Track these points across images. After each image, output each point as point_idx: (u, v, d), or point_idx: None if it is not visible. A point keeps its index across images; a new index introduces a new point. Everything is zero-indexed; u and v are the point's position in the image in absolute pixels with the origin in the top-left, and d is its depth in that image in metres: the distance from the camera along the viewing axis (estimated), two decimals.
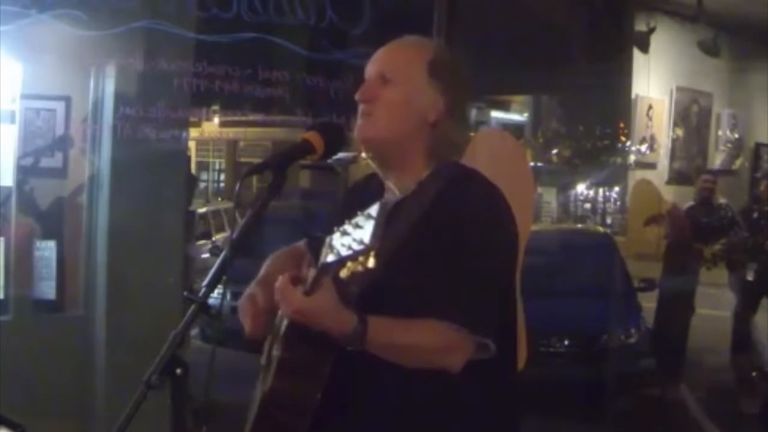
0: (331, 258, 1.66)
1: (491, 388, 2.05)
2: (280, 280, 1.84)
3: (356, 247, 1.61)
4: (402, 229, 1.96)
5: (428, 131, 2.08)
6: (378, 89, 2.06)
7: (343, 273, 1.65)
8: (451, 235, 1.93)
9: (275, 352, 2.02)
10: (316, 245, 2.27)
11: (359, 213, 1.66)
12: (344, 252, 1.63)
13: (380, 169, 2.14)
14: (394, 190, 2.11)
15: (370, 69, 2.11)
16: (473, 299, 1.93)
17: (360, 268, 1.62)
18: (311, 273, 1.81)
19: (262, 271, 2.20)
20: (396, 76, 2.06)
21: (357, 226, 1.62)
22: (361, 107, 2.08)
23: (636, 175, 11.80)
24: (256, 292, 2.09)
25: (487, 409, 2.05)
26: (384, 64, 2.09)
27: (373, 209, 1.62)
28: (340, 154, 2.18)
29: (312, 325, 1.83)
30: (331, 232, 2.10)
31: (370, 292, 1.87)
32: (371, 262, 1.60)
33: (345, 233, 1.64)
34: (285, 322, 1.95)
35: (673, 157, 12.91)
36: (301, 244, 2.33)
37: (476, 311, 1.93)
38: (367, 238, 1.60)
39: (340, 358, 1.88)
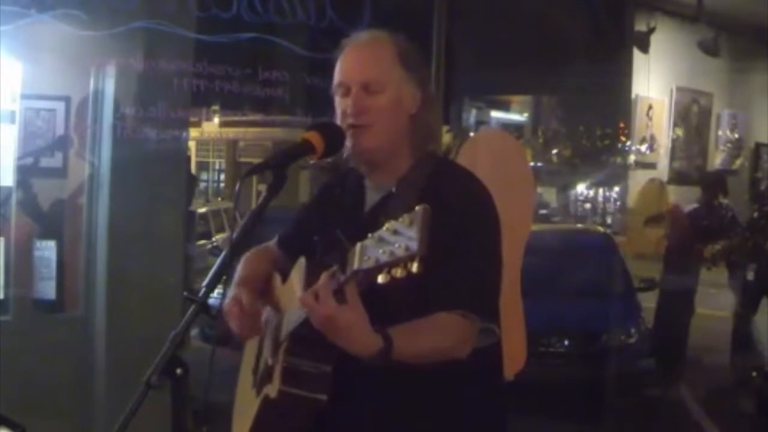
0: (366, 265, 1.64)
1: (490, 374, 2.11)
2: (323, 278, 1.77)
3: (400, 253, 1.58)
4: None
5: (410, 124, 2.09)
6: (366, 101, 2.05)
7: (381, 278, 1.63)
8: (449, 227, 1.93)
9: (270, 358, 2.03)
10: (291, 244, 2.27)
11: (393, 219, 1.62)
12: (384, 258, 1.61)
13: (366, 169, 2.14)
14: (376, 187, 2.12)
15: (347, 81, 2.07)
16: (477, 286, 1.98)
17: (400, 273, 1.60)
18: (323, 276, 1.78)
19: (240, 272, 2.19)
20: (381, 85, 2.05)
21: (395, 232, 1.60)
22: (350, 122, 2.05)
23: (637, 175, 11.80)
24: (239, 293, 2.09)
25: (486, 395, 2.10)
26: (363, 75, 2.06)
27: (416, 215, 1.59)
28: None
29: (333, 336, 1.79)
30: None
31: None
32: (416, 267, 1.58)
33: (382, 239, 1.62)
34: (288, 328, 1.95)
35: (673, 157, 12.91)
36: (272, 243, 2.33)
37: (481, 297, 1.98)
38: (414, 244, 1.57)
39: (342, 357, 1.88)
